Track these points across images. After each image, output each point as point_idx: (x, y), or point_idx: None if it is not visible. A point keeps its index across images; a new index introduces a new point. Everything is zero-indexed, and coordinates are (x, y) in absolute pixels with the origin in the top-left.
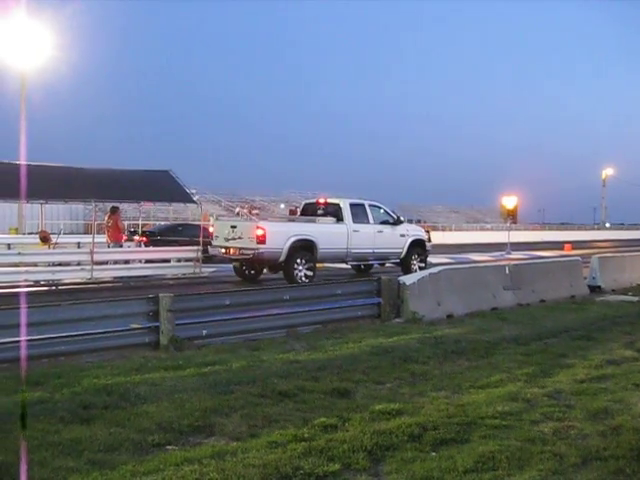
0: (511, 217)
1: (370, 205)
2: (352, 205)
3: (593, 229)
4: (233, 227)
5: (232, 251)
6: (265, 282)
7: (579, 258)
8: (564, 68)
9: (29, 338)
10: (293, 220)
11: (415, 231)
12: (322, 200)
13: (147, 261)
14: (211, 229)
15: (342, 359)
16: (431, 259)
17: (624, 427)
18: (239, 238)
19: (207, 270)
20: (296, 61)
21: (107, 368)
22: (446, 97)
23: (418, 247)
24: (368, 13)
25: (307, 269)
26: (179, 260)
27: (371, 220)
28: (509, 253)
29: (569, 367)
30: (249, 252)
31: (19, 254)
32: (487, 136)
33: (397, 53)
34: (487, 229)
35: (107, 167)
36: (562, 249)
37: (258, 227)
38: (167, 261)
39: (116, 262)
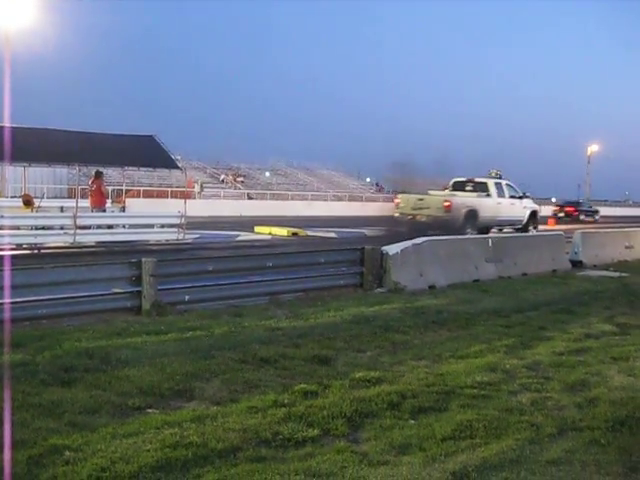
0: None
1: (505, 184)
2: (495, 183)
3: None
4: (420, 199)
5: (419, 217)
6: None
7: (562, 233)
8: (550, 43)
9: (11, 300)
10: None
11: (532, 204)
12: (472, 179)
13: (130, 226)
14: (396, 200)
15: (323, 327)
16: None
17: (600, 399)
18: (426, 208)
19: (190, 237)
20: (282, 26)
21: (89, 332)
22: (442, 71)
23: (534, 216)
24: None
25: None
26: (162, 226)
27: (506, 195)
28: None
29: (549, 340)
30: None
31: (1, 217)
32: (475, 113)
33: (388, 22)
34: None
35: (92, 131)
36: (546, 224)
37: (446, 200)
38: (150, 227)
39: (99, 227)
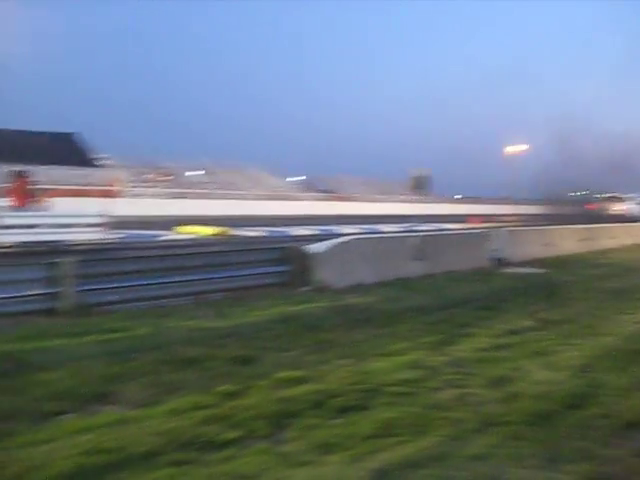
0: (421, 189)
1: (634, 195)
2: (634, 197)
3: (501, 203)
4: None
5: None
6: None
7: (486, 231)
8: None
9: None
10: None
11: None
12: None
13: (53, 226)
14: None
15: (248, 326)
16: (341, 228)
17: (521, 394)
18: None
19: (115, 236)
20: (210, 26)
21: (3, 335)
22: (362, 72)
23: None
24: None
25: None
26: (86, 225)
27: (635, 200)
28: (418, 225)
29: (472, 336)
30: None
31: None
32: (397, 113)
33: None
34: (398, 201)
35: (10, 128)
36: (470, 222)
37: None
38: (73, 226)
39: (20, 226)
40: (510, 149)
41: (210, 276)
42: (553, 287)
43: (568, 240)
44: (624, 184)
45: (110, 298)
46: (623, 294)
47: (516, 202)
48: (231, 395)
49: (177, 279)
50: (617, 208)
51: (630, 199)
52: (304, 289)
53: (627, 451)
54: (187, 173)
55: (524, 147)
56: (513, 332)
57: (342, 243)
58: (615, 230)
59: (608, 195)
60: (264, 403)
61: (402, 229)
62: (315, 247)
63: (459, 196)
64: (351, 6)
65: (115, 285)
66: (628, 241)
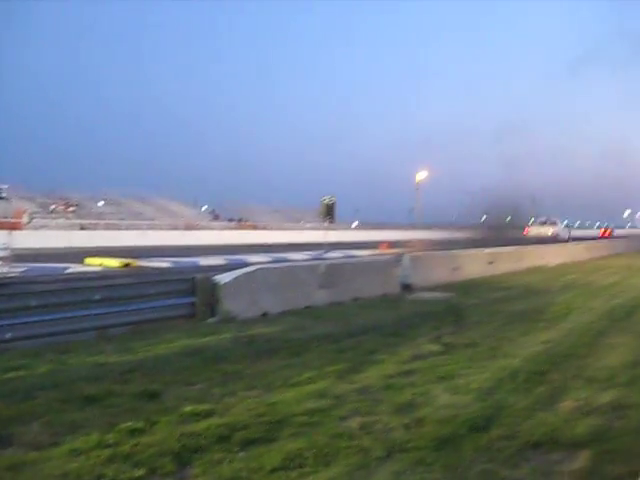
0: (329, 217)
1: (560, 221)
2: (559, 221)
3: (408, 229)
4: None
5: (541, 235)
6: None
7: (392, 257)
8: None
9: None
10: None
11: (568, 230)
12: (549, 218)
13: None
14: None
15: (153, 360)
16: (250, 257)
17: (427, 419)
18: (544, 231)
19: (16, 270)
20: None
21: None
22: (272, 101)
23: (570, 235)
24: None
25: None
26: None
27: (561, 225)
28: (327, 252)
29: (379, 363)
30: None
31: None
32: (297, 139)
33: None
34: (307, 228)
35: None
36: (378, 248)
37: (552, 229)
38: None
39: None
40: (418, 176)
41: (114, 309)
42: (459, 311)
43: (476, 264)
44: (553, 209)
45: (8, 335)
46: (526, 316)
47: (430, 227)
48: (135, 432)
49: (79, 314)
50: (548, 231)
51: (557, 223)
52: (211, 320)
53: (531, 470)
54: (99, 204)
55: (424, 174)
56: (419, 357)
57: (248, 273)
58: (522, 252)
59: (541, 220)
60: (169, 439)
61: (312, 257)
62: (222, 278)
63: (356, 223)
64: (266, 31)
65: (13, 322)
66: (535, 262)
